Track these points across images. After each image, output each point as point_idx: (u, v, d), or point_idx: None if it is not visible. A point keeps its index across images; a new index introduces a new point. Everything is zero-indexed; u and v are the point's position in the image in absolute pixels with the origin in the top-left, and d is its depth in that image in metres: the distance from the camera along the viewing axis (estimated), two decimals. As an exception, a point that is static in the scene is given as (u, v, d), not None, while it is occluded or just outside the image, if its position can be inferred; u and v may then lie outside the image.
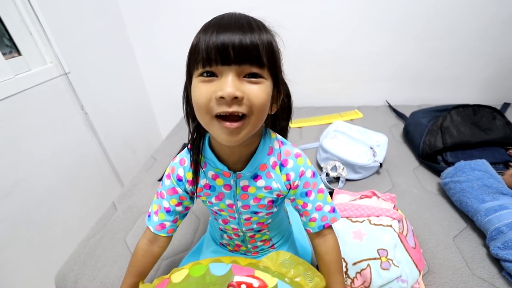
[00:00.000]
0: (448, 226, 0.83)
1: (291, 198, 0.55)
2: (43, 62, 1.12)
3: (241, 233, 0.64)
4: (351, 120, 1.44)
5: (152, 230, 0.57)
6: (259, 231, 0.63)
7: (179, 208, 0.57)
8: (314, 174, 0.54)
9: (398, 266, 0.60)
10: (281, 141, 0.54)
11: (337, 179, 1.01)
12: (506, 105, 1.43)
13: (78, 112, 1.25)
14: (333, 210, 0.55)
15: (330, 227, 0.56)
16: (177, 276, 0.55)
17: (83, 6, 1.28)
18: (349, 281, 0.61)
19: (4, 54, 0.99)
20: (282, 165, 0.52)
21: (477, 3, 1.30)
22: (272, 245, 0.69)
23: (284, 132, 0.62)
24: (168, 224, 0.57)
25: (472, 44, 1.41)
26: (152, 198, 0.59)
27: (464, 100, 1.18)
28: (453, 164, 1.01)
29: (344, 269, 0.62)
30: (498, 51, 1.41)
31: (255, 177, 0.53)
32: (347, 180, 1.02)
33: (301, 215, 0.56)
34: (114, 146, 1.47)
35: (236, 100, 0.39)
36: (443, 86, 1.54)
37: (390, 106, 1.55)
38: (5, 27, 1.01)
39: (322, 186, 0.55)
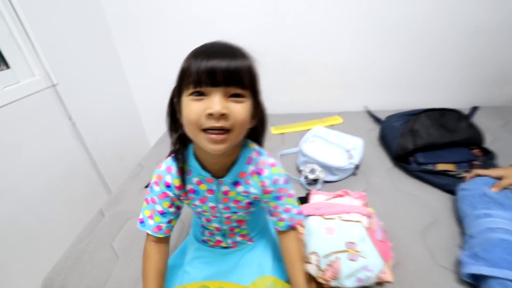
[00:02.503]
0: (417, 222, 0.89)
1: (264, 200, 0.62)
2: (32, 74, 1.15)
3: (222, 230, 0.70)
4: (332, 125, 1.51)
5: (150, 233, 0.62)
6: (238, 226, 0.69)
7: (172, 209, 0.62)
8: (286, 181, 0.61)
9: (365, 258, 0.65)
10: (259, 152, 0.61)
11: (315, 181, 1.07)
12: (474, 108, 1.52)
13: (66, 122, 1.28)
14: (300, 213, 0.64)
15: (295, 227, 0.63)
16: None
17: (71, 19, 1.32)
18: (320, 273, 0.66)
19: (-7, 67, 1.03)
20: (258, 173, 0.60)
21: (447, 15, 1.40)
22: (251, 239, 0.74)
23: (260, 143, 0.68)
24: (164, 225, 0.62)
25: (442, 52, 1.50)
26: (139, 204, 0.64)
27: (438, 104, 1.26)
28: (423, 164, 1.08)
29: (316, 262, 0.67)
30: (466, 58, 1.51)
31: (235, 183, 0.59)
32: (325, 182, 1.08)
33: (271, 215, 0.64)
34: (102, 155, 1.49)
35: (223, 116, 0.46)
36: (418, 91, 1.63)
37: (368, 111, 1.62)
38: (-6, 41, 1.05)
39: (292, 191, 0.63)
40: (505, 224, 0.70)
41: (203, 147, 0.50)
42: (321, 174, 1.04)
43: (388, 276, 0.71)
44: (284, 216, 0.62)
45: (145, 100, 1.84)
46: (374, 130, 1.40)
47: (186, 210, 0.81)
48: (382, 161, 1.19)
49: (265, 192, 0.60)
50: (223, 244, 0.74)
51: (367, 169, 1.14)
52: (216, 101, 0.46)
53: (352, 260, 0.64)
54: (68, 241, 0.97)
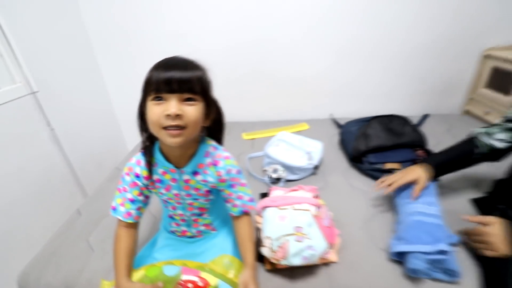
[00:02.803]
0: (364, 213, 1.01)
1: (221, 189, 0.73)
2: (13, 81, 1.22)
3: (186, 218, 0.79)
4: (299, 131, 1.64)
5: (121, 218, 0.71)
6: (200, 215, 0.79)
7: (141, 198, 0.72)
8: (238, 172, 0.73)
9: (310, 239, 0.76)
10: (215, 147, 0.73)
11: (278, 180, 1.18)
12: (425, 116, 1.70)
13: (45, 128, 1.34)
14: (251, 200, 0.75)
15: (248, 212, 0.75)
16: (135, 276, 0.69)
17: (52, 29, 1.40)
18: (273, 254, 0.76)
19: (-26, 75, 1.09)
20: (215, 165, 0.71)
21: (400, 34, 1.58)
22: (214, 228, 0.84)
23: (219, 140, 0.79)
24: (133, 212, 0.71)
25: (397, 66, 1.68)
26: None
27: (395, 112, 1.41)
28: (374, 163, 1.22)
29: (269, 245, 0.77)
30: (418, 72, 1.70)
31: (195, 173, 0.70)
32: (287, 180, 1.19)
33: (226, 202, 0.75)
34: (80, 160, 1.55)
35: (178, 116, 0.57)
36: (377, 100, 1.79)
37: (333, 118, 1.77)
38: (-25, 51, 1.11)
39: (244, 181, 0.74)
40: (421, 208, 0.84)
41: (164, 141, 0.62)
42: (283, 174, 1.16)
43: (333, 257, 0.83)
44: (237, 202, 0.73)
45: (124, 108, 1.91)
46: (336, 135, 1.54)
47: (157, 206, 0.90)
48: (340, 162, 1.32)
49: (221, 180, 0.71)
50: (189, 234, 0.83)
51: (326, 169, 1.27)
52: (172, 105, 0.57)
53: (298, 241, 0.75)
54: (43, 243, 1.01)
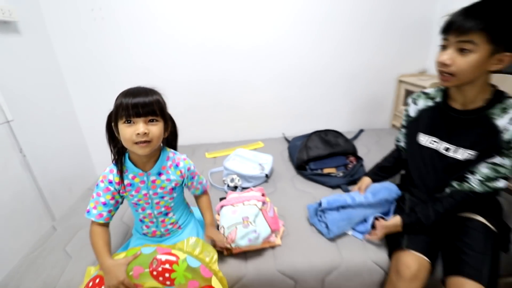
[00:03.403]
0: (304, 209, 1.23)
1: (185, 183, 0.94)
2: (-12, 112, 1.33)
3: (154, 219, 0.95)
4: (255, 148, 1.87)
5: (93, 219, 0.86)
6: (166, 214, 0.96)
7: (112, 202, 0.88)
8: (194, 167, 0.96)
9: (255, 226, 0.96)
10: (174, 152, 0.94)
11: (236, 188, 1.38)
12: (361, 130, 2.03)
13: (17, 154, 1.44)
14: (206, 182, 1.00)
15: (206, 191, 1.00)
16: (118, 256, 0.84)
17: (26, 63, 1.54)
18: (225, 239, 0.95)
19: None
20: (176, 166, 0.91)
21: (335, 63, 1.93)
22: (179, 227, 1.00)
23: (175, 147, 1.00)
24: (105, 214, 0.87)
25: (336, 90, 2.03)
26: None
27: (337, 128, 1.69)
28: (314, 169, 1.47)
29: (223, 232, 0.96)
30: (353, 94, 2.05)
31: (160, 174, 0.89)
32: (243, 188, 1.39)
33: (191, 188, 0.98)
34: (50, 185, 1.63)
35: (145, 134, 0.78)
36: (321, 119, 2.10)
37: (284, 137, 2.04)
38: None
39: (198, 172, 0.97)
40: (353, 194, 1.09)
41: (136, 152, 0.81)
42: (238, 182, 1.36)
43: (278, 241, 1.03)
44: (199, 186, 1.00)
45: (93, 134, 2.03)
46: (286, 150, 1.80)
47: (130, 216, 1.05)
48: (288, 171, 1.56)
49: (182, 177, 0.92)
50: (158, 233, 0.99)
51: (276, 177, 1.50)
52: (140, 126, 0.77)
53: (245, 227, 0.95)
54: (11, 265, 1.07)
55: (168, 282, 0.82)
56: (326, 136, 1.57)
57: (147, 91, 0.81)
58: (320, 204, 1.09)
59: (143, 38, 1.79)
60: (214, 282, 0.83)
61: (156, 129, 0.80)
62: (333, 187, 1.36)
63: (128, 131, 0.77)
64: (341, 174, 1.42)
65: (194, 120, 2.01)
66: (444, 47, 0.85)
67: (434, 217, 0.91)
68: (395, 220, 0.96)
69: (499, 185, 0.87)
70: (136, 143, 0.78)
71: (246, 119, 2.08)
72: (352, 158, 1.52)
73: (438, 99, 1.01)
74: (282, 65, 1.92)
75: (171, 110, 0.89)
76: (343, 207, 1.07)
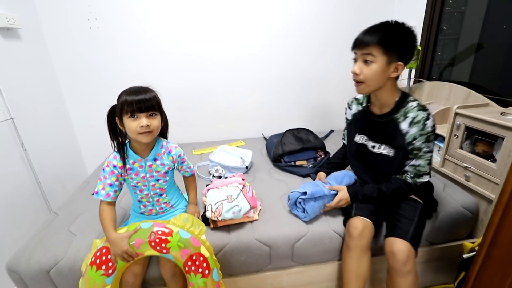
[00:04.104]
0: (280, 193, 1.44)
1: (177, 167, 1.12)
2: (-6, 110, 1.47)
3: (150, 199, 1.13)
4: (238, 146, 2.08)
5: (102, 199, 1.01)
6: (161, 195, 1.13)
7: (117, 183, 1.04)
8: (184, 154, 1.14)
9: (237, 201, 1.16)
10: (167, 141, 1.12)
11: (220, 177, 1.58)
12: (331, 131, 2.29)
13: (19, 148, 1.57)
14: (192, 166, 1.18)
15: (193, 174, 1.19)
16: (121, 230, 1.01)
17: (26, 68, 1.70)
18: (212, 214, 1.14)
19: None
20: (169, 152, 1.10)
21: (302, 71, 2.19)
22: (172, 206, 1.18)
23: (166, 136, 1.16)
24: (111, 193, 1.03)
25: (303, 97, 2.29)
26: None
27: (311, 129, 1.91)
28: (288, 162, 1.69)
29: (210, 208, 1.15)
30: (323, 99, 2.31)
31: (155, 159, 1.07)
32: (226, 177, 1.59)
33: (179, 171, 1.15)
34: (46, 180, 1.76)
35: (148, 126, 0.95)
36: (297, 121, 2.34)
37: (263, 136, 2.26)
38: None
39: (186, 158, 1.15)
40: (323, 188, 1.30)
41: (140, 140, 0.99)
42: (222, 172, 1.56)
43: (255, 216, 1.23)
44: (187, 170, 1.17)
45: (85, 137, 2.17)
46: (264, 148, 2.02)
47: (129, 201, 1.21)
48: (266, 164, 1.78)
49: (173, 162, 1.10)
50: (154, 211, 1.16)
51: (255, 169, 1.71)
52: (143, 120, 0.95)
53: (229, 203, 1.15)
54: (11, 253, 1.15)
55: (164, 251, 0.99)
56: (299, 134, 1.81)
57: (146, 89, 0.99)
58: (305, 193, 1.21)
59: (135, 47, 1.97)
60: (203, 250, 1.01)
61: (155, 121, 0.99)
62: (304, 176, 1.59)
63: (133, 124, 0.95)
64: (310, 165, 1.65)
65: (182, 122, 2.20)
66: (355, 60, 1.06)
67: (372, 189, 1.16)
68: (343, 192, 1.20)
69: (424, 180, 1.11)
70: (140, 133, 0.96)
71: (229, 121, 2.29)
72: (321, 153, 1.76)
73: (364, 104, 1.23)
74: (261, 73, 2.17)
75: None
76: (320, 196, 1.25)
